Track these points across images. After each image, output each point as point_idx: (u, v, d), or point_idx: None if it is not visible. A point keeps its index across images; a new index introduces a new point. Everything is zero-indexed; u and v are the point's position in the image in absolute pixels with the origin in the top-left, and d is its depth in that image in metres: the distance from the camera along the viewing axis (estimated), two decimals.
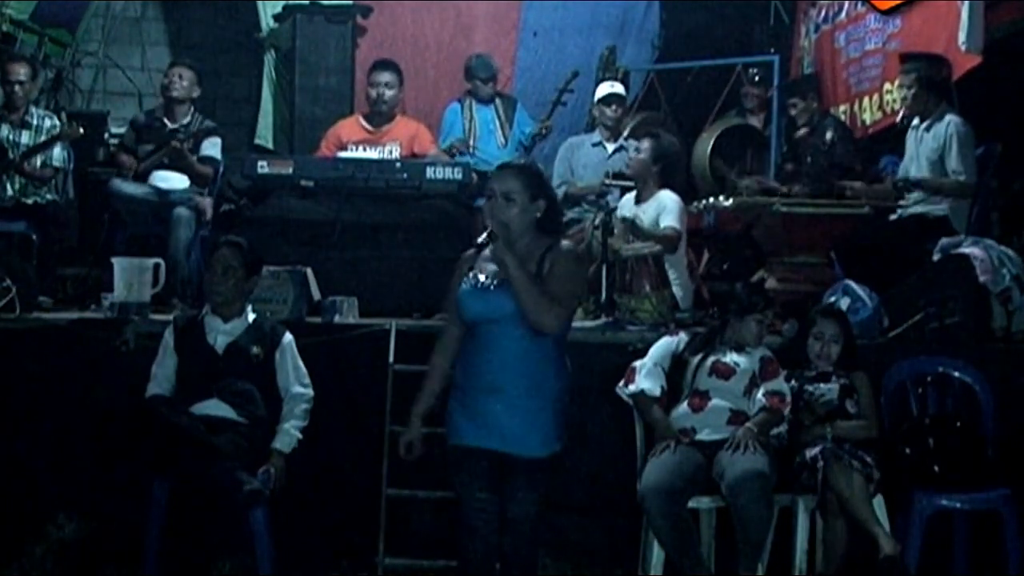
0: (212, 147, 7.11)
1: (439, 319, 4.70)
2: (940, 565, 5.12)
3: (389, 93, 7.38)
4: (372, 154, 7.09)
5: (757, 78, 7.95)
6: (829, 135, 7.11)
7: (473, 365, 4.14)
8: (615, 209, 6.55)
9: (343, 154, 7.00)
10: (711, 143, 7.57)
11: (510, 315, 4.06)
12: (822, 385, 5.12)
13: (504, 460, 4.12)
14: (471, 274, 4.18)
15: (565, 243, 4.26)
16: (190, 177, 6.97)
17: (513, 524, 4.13)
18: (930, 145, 6.31)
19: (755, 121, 7.99)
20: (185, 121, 7.11)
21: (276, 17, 8.47)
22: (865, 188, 6.58)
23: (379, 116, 7.40)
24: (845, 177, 6.76)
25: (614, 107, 7.54)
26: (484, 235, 4.12)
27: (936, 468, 4.98)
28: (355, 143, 7.22)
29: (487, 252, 4.18)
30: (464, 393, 4.16)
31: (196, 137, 7.06)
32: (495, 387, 4.09)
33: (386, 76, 7.39)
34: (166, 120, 7.12)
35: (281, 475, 4.88)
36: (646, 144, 6.47)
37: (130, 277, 5.83)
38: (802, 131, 7.29)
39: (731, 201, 6.57)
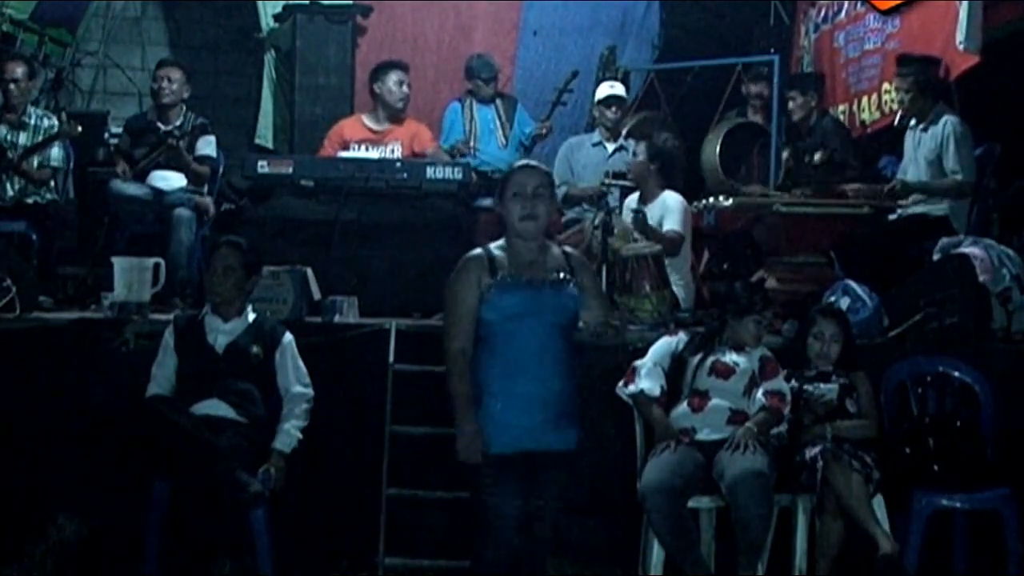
0: (207, 146, 7.09)
1: (438, 319, 4.68)
2: (940, 565, 5.12)
3: (408, 91, 7.41)
4: (374, 153, 7.10)
5: (765, 71, 7.94)
6: (826, 134, 7.12)
7: (509, 364, 4.06)
8: (615, 209, 6.56)
9: (343, 154, 7.01)
10: (718, 143, 7.57)
11: (551, 311, 4.08)
12: (822, 385, 5.12)
13: (535, 459, 4.09)
14: (499, 271, 4.09)
15: (573, 250, 4.34)
16: (188, 177, 6.96)
17: (537, 522, 4.11)
18: (928, 146, 6.32)
19: (757, 119, 7.99)
20: (178, 122, 7.08)
21: (276, 17, 8.46)
22: (864, 190, 6.57)
23: (393, 114, 7.40)
24: (840, 176, 6.76)
25: (614, 108, 7.55)
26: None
27: (936, 468, 4.98)
28: (358, 142, 7.23)
29: (498, 252, 4.14)
30: (499, 397, 4.06)
31: (192, 135, 7.05)
32: (536, 384, 4.05)
33: (403, 75, 7.41)
34: (159, 123, 7.09)
35: (281, 475, 4.88)
36: (641, 147, 6.58)
37: (130, 277, 5.83)
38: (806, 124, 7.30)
39: (731, 201, 6.57)
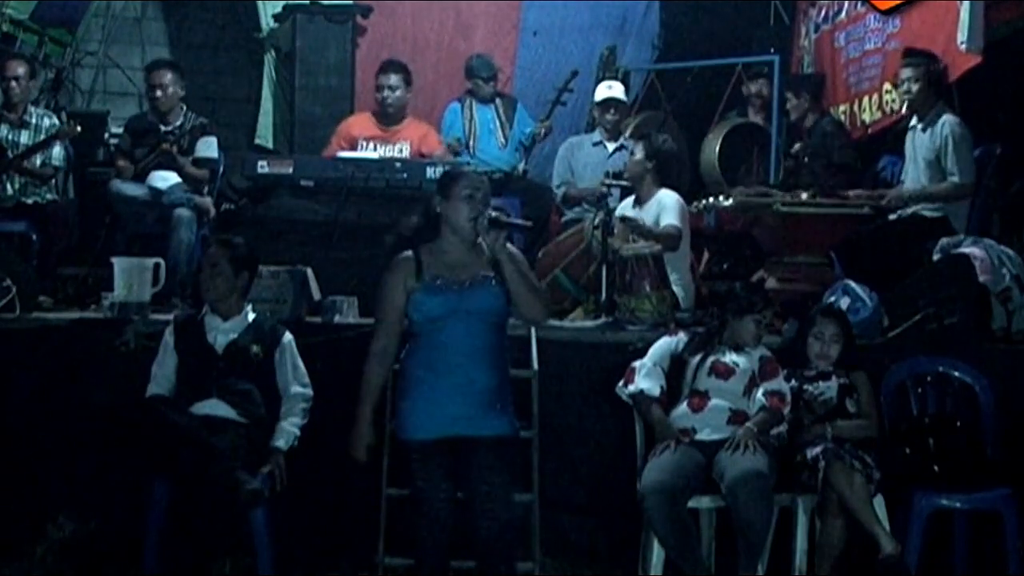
0: (207, 147, 7.05)
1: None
2: (940, 565, 5.12)
3: (393, 95, 7.41)
4: (383, 152, 7.12)
5: (764, 69, 7.94)
6: (826, 135, 7.12)
7: (435, 359, 4.22)
8: (615, 209, 6.55)
9: (343, 154, 7.01)
10: (719, 143, 7.56)
11: (475, 310, 4.21)
12: (822, 383, 5.12)
13: (468, 445, 4.19)
14: (424, 273, 4.25)
15: (511, 246, 4.37)
16: (183, 179, 6.95)
17: (486, 508, 4.18)
18: (927, 146, 6.31)
19: (757, 119, 7.99)
20: (178, 123, 7.06)
21: (276, 17, 8.46)
22: (865, 195, 6.57)
23: (388, 117, 7.43)
24: (841, 176, 6.76)
25: (612, 110, 7.55)
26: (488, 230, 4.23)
27: (936, 468, 4.98)
28: (367, 139, 7.26)
29: (426, 255, 4.29)
30: (423, 387, 4.23)
31: (191, 134, 7.03)
32: (461, 377, 4.19)
33: (392, 79, 7.42)
34: (160, 124, 7.07)
35: (281, 473, 4.88)
36: (639, 146, 6.57)
37: (130, 277, 5.82)
38: (804, 125, 7.30)
39: (731, 201, 6.57)
